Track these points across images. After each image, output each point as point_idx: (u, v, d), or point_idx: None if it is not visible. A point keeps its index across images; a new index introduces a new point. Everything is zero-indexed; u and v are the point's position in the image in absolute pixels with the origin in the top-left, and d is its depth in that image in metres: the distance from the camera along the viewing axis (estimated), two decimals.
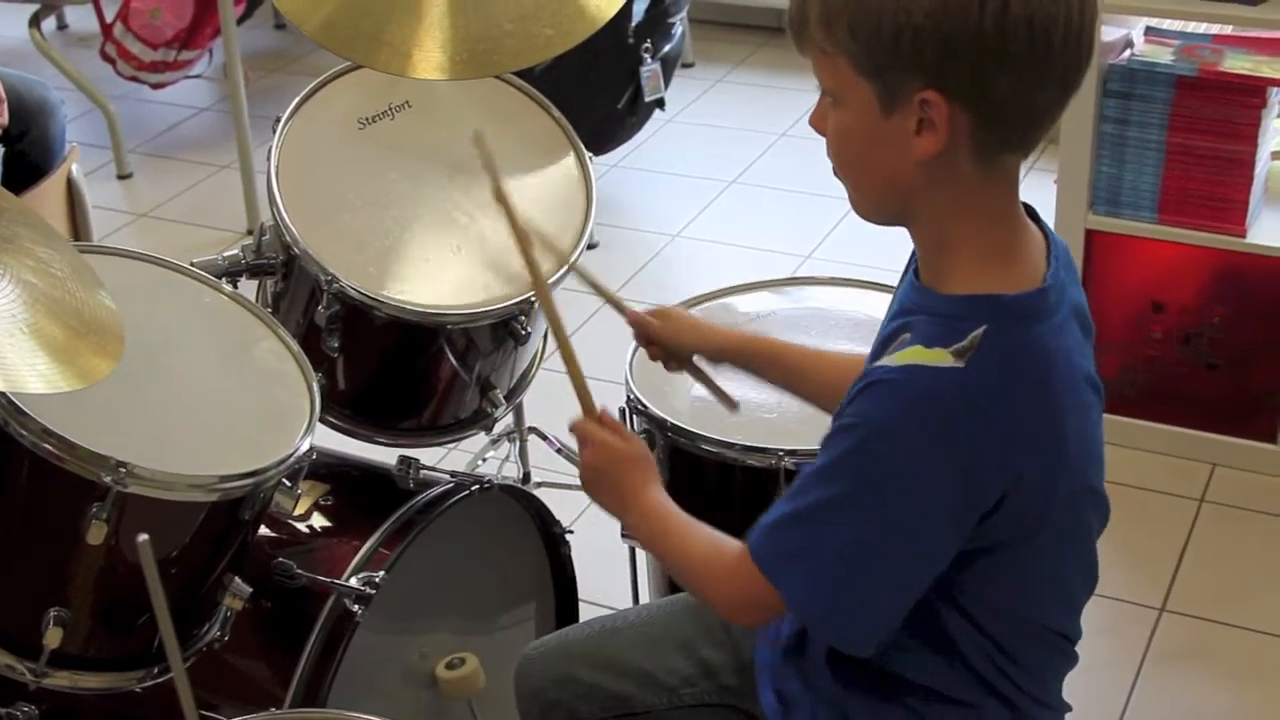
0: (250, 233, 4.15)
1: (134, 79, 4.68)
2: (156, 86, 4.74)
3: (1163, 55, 2.92)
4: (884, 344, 1.49)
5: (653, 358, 2.02)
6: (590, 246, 2.24)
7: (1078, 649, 1.65)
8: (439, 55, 2.02)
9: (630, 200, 4.34)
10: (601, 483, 1.73)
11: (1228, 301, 3.06)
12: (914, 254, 1.54)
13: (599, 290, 2.04)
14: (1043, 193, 2.93)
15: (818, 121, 1.49)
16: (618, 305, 2.03)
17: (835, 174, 1.51)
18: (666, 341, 1.99)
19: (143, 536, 1.16)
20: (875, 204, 1.51)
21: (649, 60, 3.98)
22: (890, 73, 1.38)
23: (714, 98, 4.86)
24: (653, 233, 4.17)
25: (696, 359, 1.98)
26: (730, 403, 2.01)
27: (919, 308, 1.48)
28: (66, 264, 1.63)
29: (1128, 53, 2.95)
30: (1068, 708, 1.67)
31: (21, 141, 3.19)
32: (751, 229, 4.11)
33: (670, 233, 4.16)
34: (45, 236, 1.66)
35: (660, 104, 4.12)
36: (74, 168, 2.65)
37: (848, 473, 1.44)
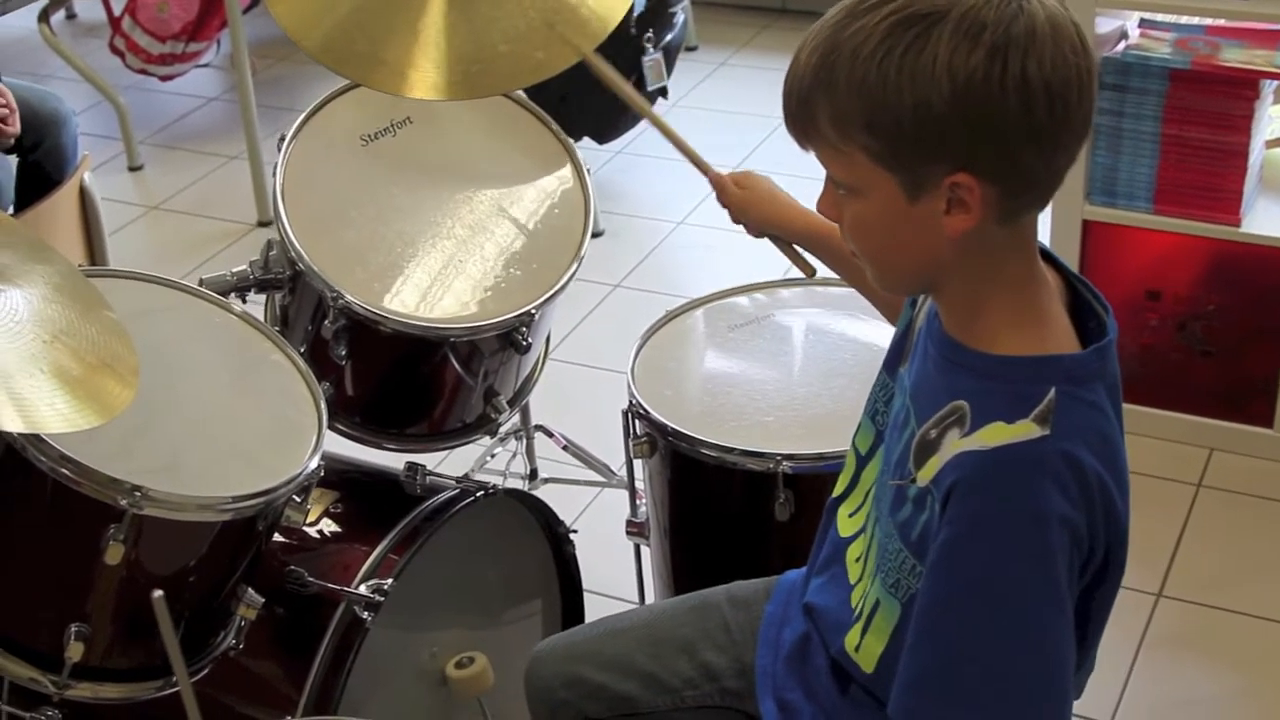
0: (260, 224, 4.21)
1: (143, 71, 4.72)
2: (165, 78, 4.78)
3: (1157, 48, 2.94)
4: (940, 420, 1.45)
5: (734, 220, 2.05)
6: (596, 235, 2.29)
7: None
8: (434, 75, 2.04)
9: (634, 187, 4.37)
10: None
11: (1223, 289, 3.10)
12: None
13: (680, 146, 2.08)
14: None
15: (829, 209, 1.47)
16: (699, 164, 2.06)
17: (854, 255, 1.49)
18: (741, 211, 2.03)
19: (157, 593, 1.20)
20: (904, 281, 1.51)
21: (651, 50, 3.99)
22: (915, 163, 1.36)
23: (718, 81, 4.89)
24: (657, 219, 4.20)
25: None
26: (807, 269, 2.04)
27: (965, 369, 1.45)
28: (80, 294, 1.68)
29: (1122, 45, 2.98)
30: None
31: (35, 153, 3.23)
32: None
33: (675, 219, 4.19)
34: (60, 268, 1.70)
35: (663, 93, 4.14)
36: (86, 176, 2.69)
37: (988, 578, 1.40)
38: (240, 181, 4.36)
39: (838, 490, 1.72)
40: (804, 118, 1.41)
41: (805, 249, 2.02)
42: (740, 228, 2.07)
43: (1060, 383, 1.40)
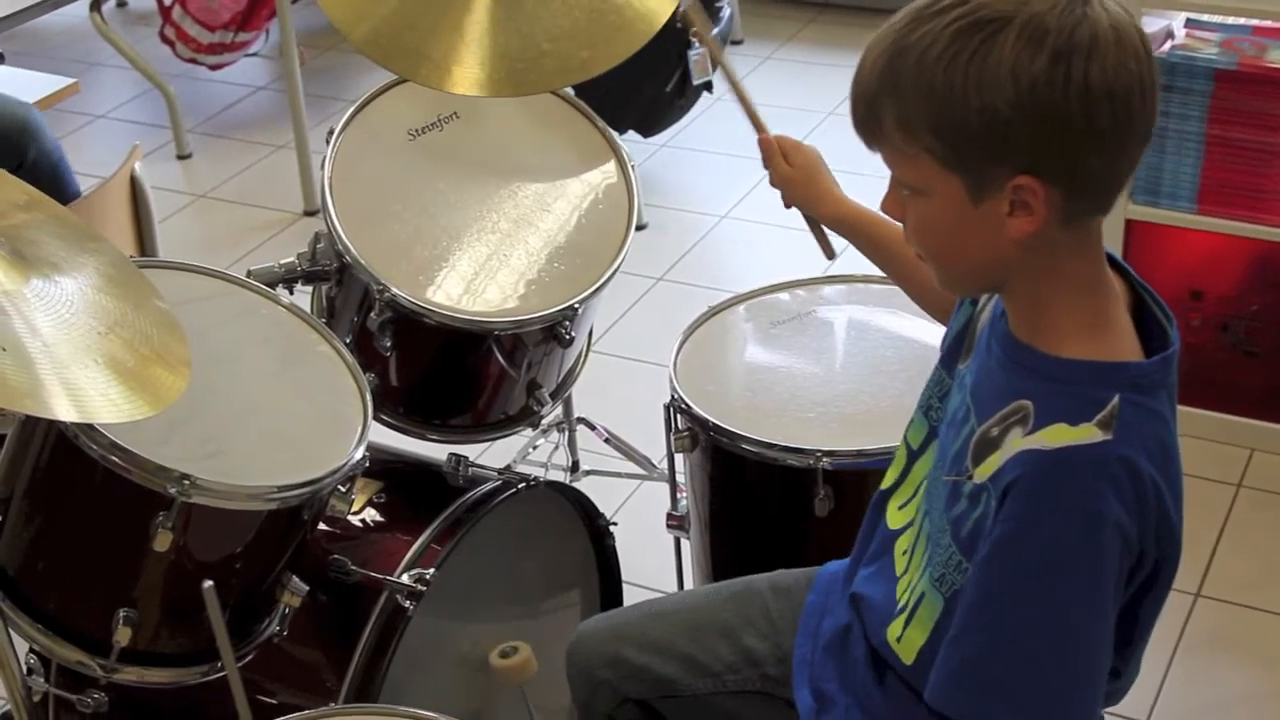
0: (306, 213, 4.25)
1: (192, 61, 4.76)
2: (214, 68, 4.82)
3: (1203, 48, 2.94)
4: (1003, 419, 1.47)
5: (773, 184, 2.08)
6: (639, 228, 2.30)
7: None
8: (478, 72, 2.07)
9: (679, 180, 4.38)
10: None
11: (1266, 290, 3.09)
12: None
13: (743, 100, 2.10)
14: None
15: (892, 209, 1.49)
16: (757, 122, 2.10)
17: (919, 257, 1.51)
18: (782, 184, 2.06)
19: (208, 583, 1.23)
20: (968, 282, 1.53)
21: (696, 44, 4.00)
22: (980, 165, 1.38)
23: (763, 75, 4.89)
24: (701, 213, 4.21)
25: None
26: (829, 251, 2.07)
27: (1031, 370, 1.47)
28: (132, 284, 1.71)
29: (1168, 45, 2.97)
30: (1101, 717, 1.67)
31: (20, 170, 3.08)
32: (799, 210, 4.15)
33: (718, 213, 4.20)
34: (111, 257, 1.73)
35: (708, 87, 4.15)
36: (137, 166, 2.72)
37: (1036, 577, 1.42)
38: (287, 171, 4.39)
39: (887, 483, 1.74)
40: (870, 120, 1.42)
41: (842, 235, 2.04)
42: (782, 223, 2.10)
43: (1125, 390, 1.42)
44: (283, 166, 4.49)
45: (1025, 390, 1.46)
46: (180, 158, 4.65)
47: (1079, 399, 1.42)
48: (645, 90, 4.07)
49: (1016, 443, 1.44)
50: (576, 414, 2.86)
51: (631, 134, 4.20)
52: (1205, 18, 3.01)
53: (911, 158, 1.41)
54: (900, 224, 1.51)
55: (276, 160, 4.60)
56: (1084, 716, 1.47)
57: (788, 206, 2.09)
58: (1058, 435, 1.41)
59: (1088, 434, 1.40)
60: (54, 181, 3.17)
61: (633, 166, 2.35)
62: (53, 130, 3.27)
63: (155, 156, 4.60)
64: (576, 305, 2.19)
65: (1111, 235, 3.10)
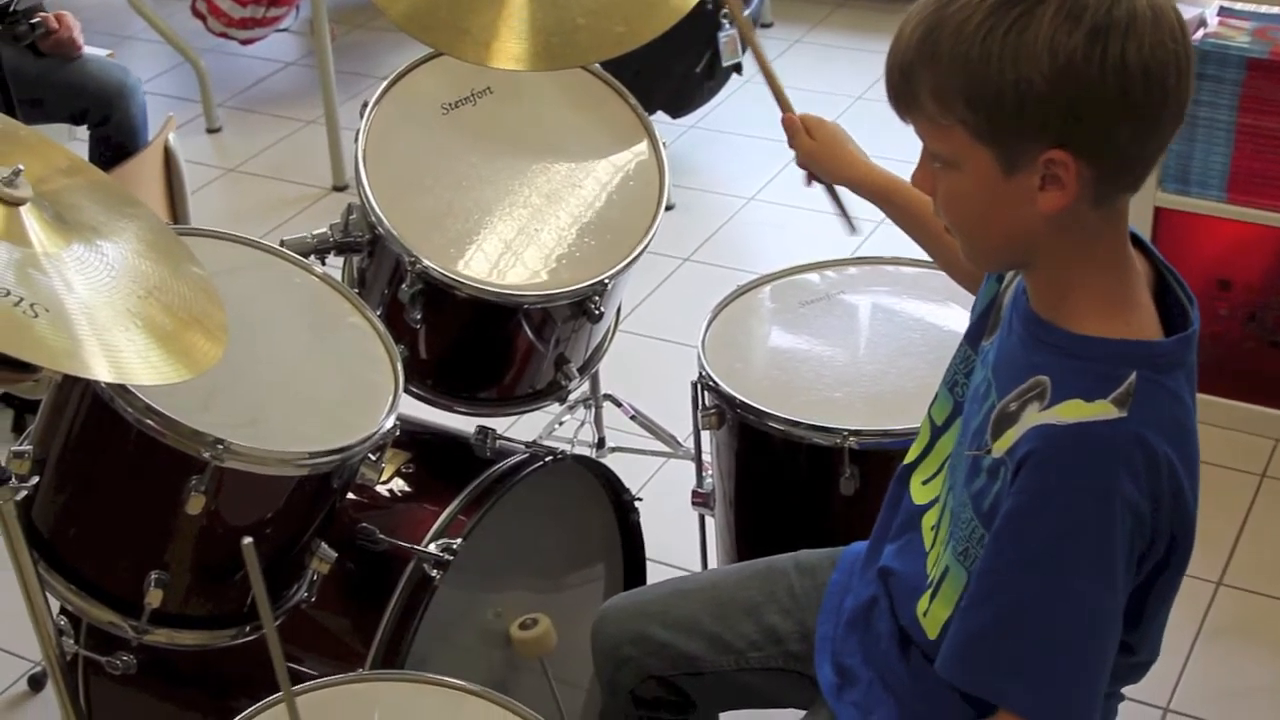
0: (335, 188, 4.26)
1: (223, 35, 4.78)
2: (245, 42, 4.84)
3: (1235, 36, 2.93)
4: (1021, 394, 1.48)
5: (799, 164, 2.09)
6: (667, 208, 2.31)
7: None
8: (515, 46, 2.08)
9: (707, 162, 4.39)
10: None
11: None
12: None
13: (770, 79, 2.12)
14: None
15: (923, 182, 1.50)
16: (782, 100, 2.11)
17: (948, 230, 1.52)
18: (808, 159, 2.07)
19: (247, 540, 1.24)
20: (995, 257, 1.53)
21: (726, 26, 4.01)
22: (1013, 138, 1.38)
23: (792, 59, 4.89)
24: (729, 195, 4.22)
25: None
26: (850, 225, 2.09)
27: (1050, 346, 1.48)
28: (170, 250, 1.73)
29: (1200, 33, 2.97)
30: (1120, 698, 1.70)
31: (105, 126, 3.26)
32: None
33: (746, 195, 4.21)
34: (150, 223, 1.75)
35: (738, 69, 4.15)
36: (171, 137, 2.74)
37: (1045, 551, 1.43)
38: (317, 146, 4.41)
39: (910, 458, 1.75)
40: (905, 90, 1.43)
41: (871, 202, 2.05)
42: (809, 206, 2.11)
43: (1142, 368, 1.42)
44: (312, 141, 4.51)
45: (1043, 366, 1.47)
46: (210, 131, 4.67)
47: (1095, 376, 1.43)
48: (675, 71, 4.07)
49: (1032, 418, 1.45)
50: (603, 390, 2.88)
51: (660, 115, 4.20)
52: (1238, 6, 3.01)
53: (945, 129, 1.42)
54: (930, 197, 1.52)
55: (306, 135, 4.62)
56: (1090, 690, 1.47)
57: (809, 184, 2.10)
58: (1073, 411, 1.42)
59: (1103, 410, 1.41)
60: (129, 140, 3.37)
61: (664, 144, 2.36)
62: None
63: (186, 130, 4.62)
64: (606, 280, 2.20)
65: (1140, 223, 3.08)
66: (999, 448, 1.48)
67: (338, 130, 4.26)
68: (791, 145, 2.10)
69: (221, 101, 4.78)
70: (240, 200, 4.34)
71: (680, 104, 4.25)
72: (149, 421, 1.75)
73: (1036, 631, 1.46)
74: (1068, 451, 1.42)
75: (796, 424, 2.13)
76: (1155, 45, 1.35)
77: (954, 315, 2.30)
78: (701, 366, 2.25)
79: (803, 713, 1.87)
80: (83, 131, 3.50)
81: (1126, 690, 1.67)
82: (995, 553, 1.47)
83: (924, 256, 2.33)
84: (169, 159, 2.76)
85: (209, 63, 4.71)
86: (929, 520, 1.68)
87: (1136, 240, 1.52)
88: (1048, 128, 1.37)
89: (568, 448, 2.81)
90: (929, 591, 1.62)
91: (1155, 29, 1.35)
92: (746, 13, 4.12)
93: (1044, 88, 1.34)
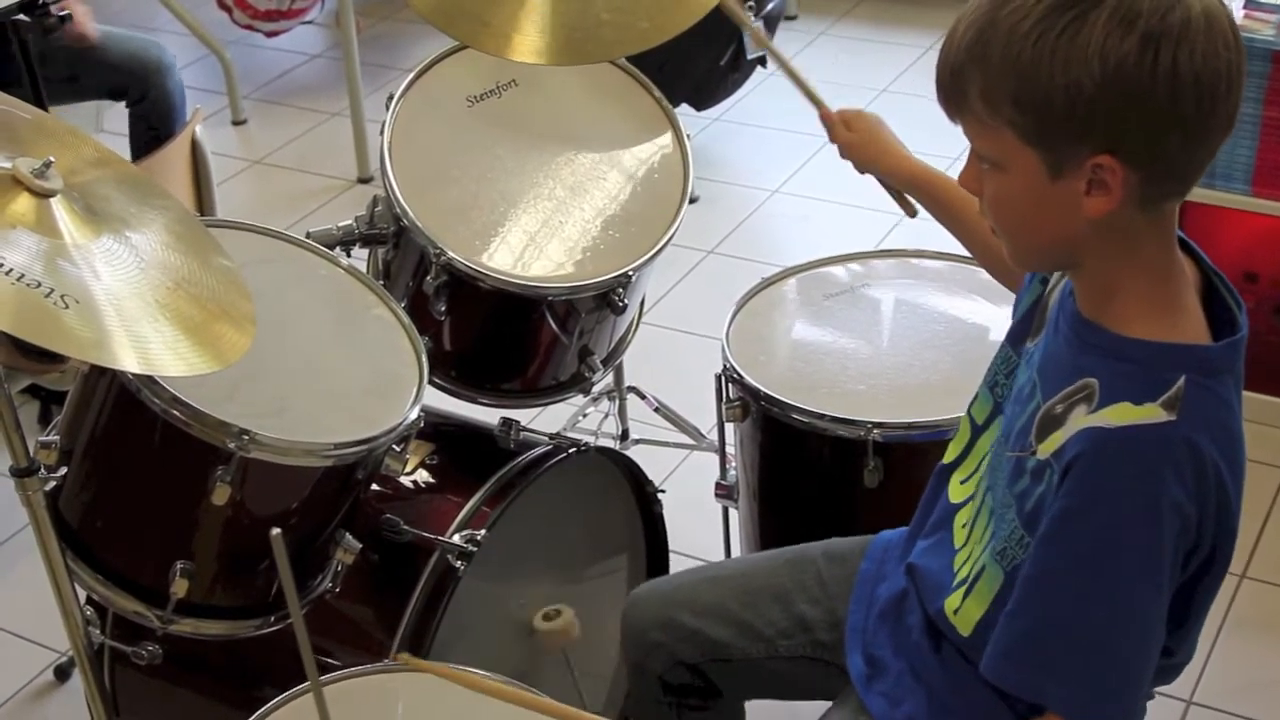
0: (360, 180, 4.28)
1: (249, 27, 4.80)
2: (271, 34, 4.85)
3: (1261, 29, 2.92)
4: (1068, 396, 1.48)
5: (842, 156, 2.11)
6: (691, 201, 2.32)
7: None
8: (538, 40, 2.08)
9: (731, 155, 4.39)
10: None
11: None
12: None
13: (797, 81, 2.13)
14: None
15: (970, 183, 1.50)
16: (814, 99, 2.12)
17: (993, 231, 1.52)
18: (847, 150, 2.08)
19: (275, 531, 1.25)
20: (1040, 259, 1.54)
21: (752, 19, 4.00)
22: (1060, 141, 1.38)
23: (816, 51, 4.89)
24: (753, 188, 4.22)
25: None
26: (909, 209, 2.09)
27: (1097, 348, 1.48)
28: (198, 241, 1.74)
29: None
30: (1151, 695, 1.69)
31: (142, 104, 3.30)
32: (850, 185, 4.12)
33: (770, 188, 4.21)
34: (178, 214, 1.75)
35: (762, 61, 4.15)
36: (198, 129, 2.75)
37: (1093, 554, 1.44)
38: (342, 138, 4.42)
39: (949, 457, 1.76)
40: (955, 91, 1.43)
41: (908, 193, 2.06)
42: (833, 199, 2.11)
43: (1191, 372, 1.42)
44: (337, 134, 4.52)
45: (1091, 368, 1.46)
46: (236, 123, 4.69)
47: (1144, 379, 1.42)
48: (699, 64, 4.08)
49: (1080, 420, 1.45)
50: (627, 383, 2.88)
51: (684, 107, 4.21)
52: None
53: (993, 131, 1.42)
54: (976, 197, 1.52)
55: (331, 127, 4.63)
56: (1134, 693, 1.48)
57: (861, 172, 2.10)
58: (1122, 414, 1.42)
59: (1152, 414, 1.41)
60: (166, 118, 3.42)
61: (688, 136, 2.37)
62: None
63: (211, 122, 4.63)
64: (630, 273, 2.21)
65: None
66: (1044, 449, 1.48)
67: (363, 122, 4.27)
68: (831, 140, 2.11)
69: (247, 94, 4.79)
70: (266, 192, 4.35)
71: (705, 97, 4.26)
72: (175, 412, 1.76)
73: (1084, 634, 1.46)
74: (1117, 455, 1.42)
75: (820, 416, 2.13)
76: (1208, 54, 1.34)
77: (979, 309, 2.30)
78: (726, 359, 2.25)
79: (826, 703, 1.88)
80: (111, 122, 3.51)
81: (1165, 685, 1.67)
82: (1043, 555, 1.48)
83: (950, 249, 2.33)
84: (196, 151, 2.77)
85: (234, 55, 4.73)
86: (961, 518, 1.68)
87: (1184, 245, 1.51)
88: (1095, 133, 1.36)
89: (591, 440, 2.82)
90: (961, 590, 1.62)
91: (1209, 38, 1.35)
92: (771, 7, 4.12)
93: (1094, 92, 1.34)
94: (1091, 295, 1.49)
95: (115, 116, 4.46)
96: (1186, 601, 1.51)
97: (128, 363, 1.49)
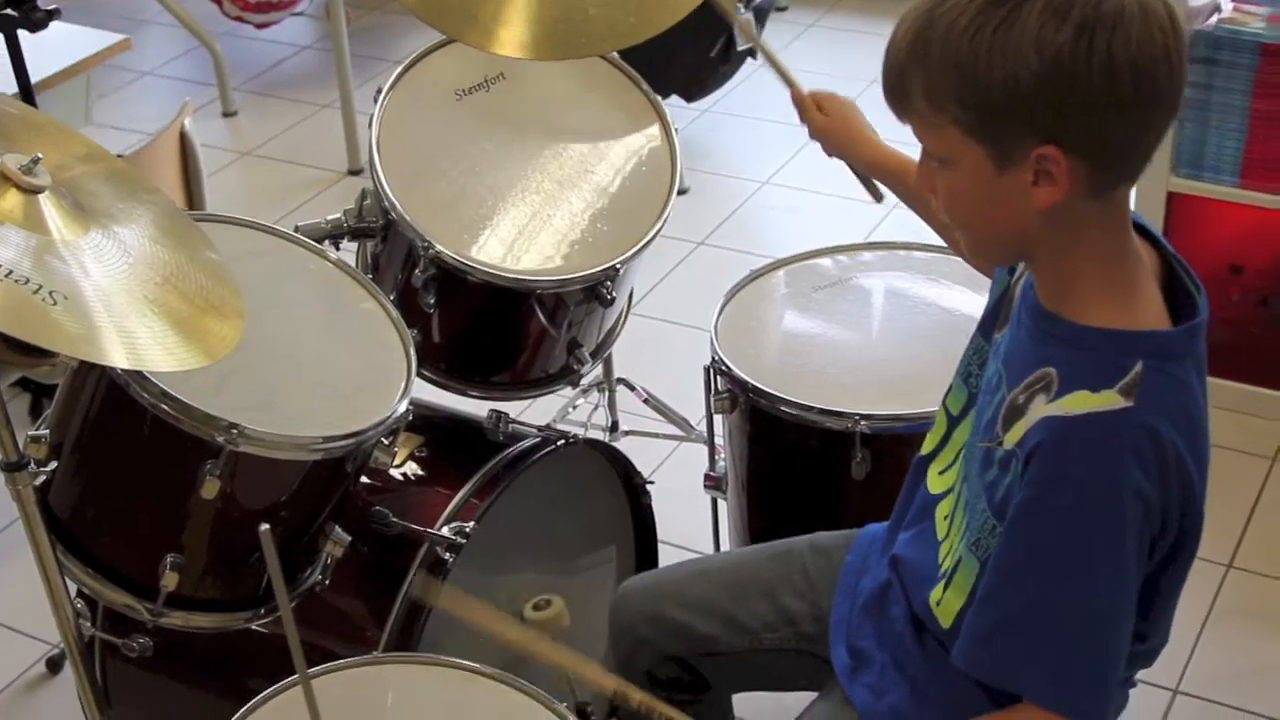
0: (350, 172, 4.28)
1: (239, 19, 4.79)
2: (261, 26, 4.85)
3: (1250, 22, 2.93)
4: (1029, 386, 1.49)
5: (812, 138, 2.12)
6: (680, 192, 2.33)
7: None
8: (524, 34, 2.09)
9: (721, 146, 4.39)
10: None
11: None
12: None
13: (772, 62, 2.13)
14: None
15: (924, 181, 1.51)
16: (787, 79, 2.12)
17: (941, 231, 1.55)
18: (819, 135, 2.09)
19: (264, 526, 1.26)
20: (994, 252, 1.55)
21: (742, 9, 4.01)
22: (1004, 135, 1.40)
23: (806, 42, 4.89)
24: (743, 179, 4.23)
25: None
26: (876, 194, 2.10)
27: (1057, 338, 1.49)
28: (185, 236, 1.74)
29: (1214, 19, 2.96)
30: (1132, 682, 1.71)
31: None
32: (841, 176, 4.13)
33: (760, 179, 4.21)
34: (166, 209, 1.76)
35: (752, 53, 4.15)
36: (187, 122, 2.75)
37: (1057, 543, 1.46)
38: (332, 130, 4.42)
39: (927, 448, 1.77)
40: (900, 91, 1.45)
41: (879, 180, 2.07)
42: (824, 190, 2.12)
43: (1148, 357, 1.43)
44: (327, 125, 4.52)
45: (1050, 358, 1.48)
46: (226, 115, 4.69)
47: (1101, 366, 1.44)
48: (689, 55, 4.08)
49: (1040, 409, 1.46)
50: (616, 375, 2.89)
51: (674, 99, 4.21)
52: None
53: (938, 129, 1.43)
54: (931, 195, 1.53)
55: (321, 119, 4.63)
56: (1106, 676, 1.49)
57: (829, 155, 2.11)
58: (1079, 402, 1.43)
59: (1109, 400, 1.42)
60: None
61: (675, 131, 2.37)
62: (101, 86, 3.33)
63: (201, 114, 4.63)
64: (618, 265, 2.21)
65: (1153, 208, 3.10)
66: (1009, 439, 1.50)
67: (353, 114, 4.26)
68: (802, 121, 2.11)
69: (237, 85, 4.79)
70: (255, 184, 4.35)
71: (695, 88, 4.26)
72: (164, 407, 1.76)
73: (1051, 622, 1.48)
74: (1075, 443, 1.43)
75: (808, 408, 2.14)
76: (1143, 40, 1.35)
77: (966, 299, 2.31)
78: (714, 351, 2.26)
79: (813, 695, 1.89)
80: (101, 114, 3.45)
81: (1145, 669, 1.68)
82: (1008, 545, 1.49)
83: (938, 241, 2.36)
84: (185, 144, 2.77)
85: (225, 46, 4.72)
86: (943, 510, 1.69)
87: (1143, 230, 1.53)
88: (1037, 124, 1.38)
89: (581, 431, 2.83)
90: (942, 582, 1.63)
91: (1144, 24, 1.36)
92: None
93: (1032, 84, 1.35)
94: (1049, 286, 1.50)
95: (104, 108, 4.48)
96: (1154, 586, 1.52)
97: (117, 359, 1.50)
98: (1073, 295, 1.48)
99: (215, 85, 4.69)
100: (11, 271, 1.48)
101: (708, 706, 2.05)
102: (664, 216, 2.28)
